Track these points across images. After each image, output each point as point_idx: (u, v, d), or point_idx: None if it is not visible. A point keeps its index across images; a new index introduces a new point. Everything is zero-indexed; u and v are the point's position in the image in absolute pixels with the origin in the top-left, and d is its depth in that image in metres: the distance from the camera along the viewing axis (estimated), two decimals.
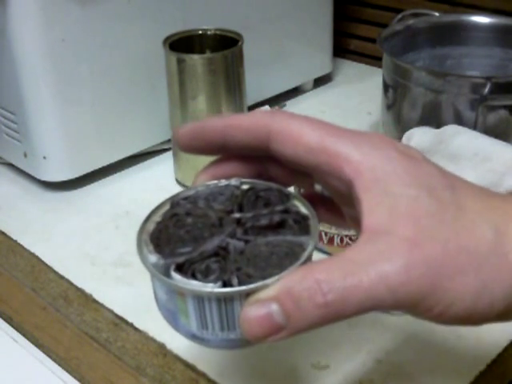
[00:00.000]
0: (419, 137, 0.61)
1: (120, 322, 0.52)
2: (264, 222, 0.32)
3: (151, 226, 0.34)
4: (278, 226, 0.33)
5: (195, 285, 0.30)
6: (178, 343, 0.49)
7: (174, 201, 0.35)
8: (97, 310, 0.53)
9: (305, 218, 0.33)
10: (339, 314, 0.28)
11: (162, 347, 0.49)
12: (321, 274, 0.28)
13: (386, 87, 0.67)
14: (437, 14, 0.74)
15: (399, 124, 0.66)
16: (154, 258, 0.32)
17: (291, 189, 0.36)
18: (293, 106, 0.84)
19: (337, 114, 0.83)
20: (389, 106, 0.67)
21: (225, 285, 0.30)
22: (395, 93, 0.65)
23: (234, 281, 0.30)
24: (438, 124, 0.61)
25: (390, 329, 0.49)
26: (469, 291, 0.29)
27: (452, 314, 0.29)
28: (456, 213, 0.30)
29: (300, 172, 0.34)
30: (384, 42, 0.67)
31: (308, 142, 0.32)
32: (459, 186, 0.31)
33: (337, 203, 0.36)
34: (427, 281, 0.28)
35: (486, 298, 0.29)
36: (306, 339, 0.49)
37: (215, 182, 0.35)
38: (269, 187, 0.35)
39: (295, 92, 0.87)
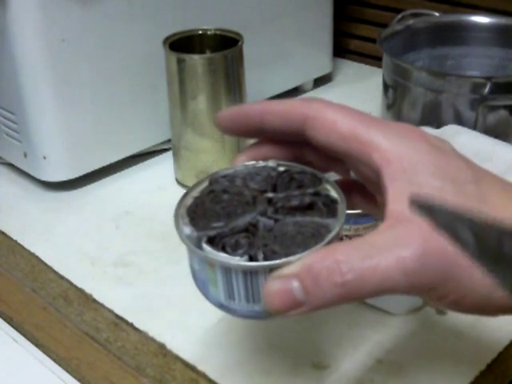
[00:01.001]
0: None
1: (120, 322, 0.52)
2: (294, 202, 0.34)
3: (189, 201, 0.36)
4: (308, 208, 0.34)
5: (223, 257, 0.31)
6: (178, 343, 0.49)
7: (212, 178, 0.37)
8: (97, 309, 0.53)
9: (334, 201, 0.34)
10: (356, 294, 0.29)
11: (162, 347, 0.49)
12: (341, 255, 0.29)
13: (385, 87, 0.67)
14: (437, 14, 0.74)
15: None
16: (188, 230, 0.33)
17: (331, 175, 0.37)
18: None
19: None
20: (389, 106, 0.67)
21: (251, 259, 0.31)
22: (395, 93, 0.65)
23: (260, 256, 0.31)
24: (438, 124, 0.61)
25: (390, 329, 0.49)
26: (484, 282, 0.29)
27: (467, 303, 0.30)
28: (478, 205, 0.30)
29: (335, 158, 0.35)
30: (384, 42, 0.67)
31: (340, 128, 0.33)
32: (485, 180, 0.32)
33: (371, 191, 0.36)
34: (442, 269, 0.29)
35: (501, 290, 0.29)
36: (307, 339, 0.49)
37: (253, 162, 0.37)
38: (303, 170, 0.36)
39: (295, 92, 0.87)
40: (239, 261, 0.31)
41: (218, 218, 0.34)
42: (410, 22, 0.73)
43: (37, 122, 0.64)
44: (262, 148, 0.38)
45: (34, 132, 0.65)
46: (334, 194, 0.35)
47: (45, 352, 0.50)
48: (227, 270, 0.31)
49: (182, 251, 0.35)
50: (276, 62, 0.82)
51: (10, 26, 0.60)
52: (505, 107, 0.60)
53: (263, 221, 0.33)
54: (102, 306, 0.53)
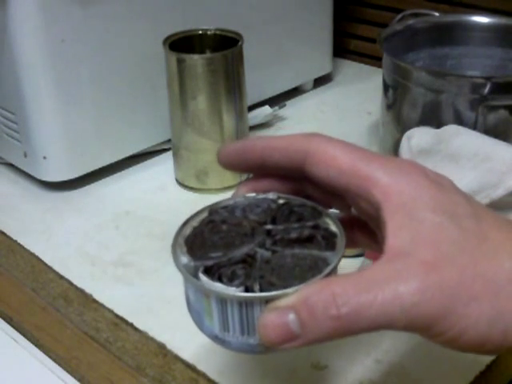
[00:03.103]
0: (419, 137, 0.61)
1: (120, 322, 0.52)
2: (293, 235, 0.34)
3: (188, 230, 0.36)
4: (307, 241, 0.34)
5: (219, 287, 0.31)
6: (178, 343, 0.49)
7: (212, 209, 0.37)
8: (97, 309, 0.53)
9: (333, 235, 0.34)
10: (352, 328, 0.29)
11: (162, 347, 0.49)
12: (337, 288, 0.29)
13: (385, 87, 0.67)
14: (437, 14, 0.74)
15: (399, 124, 0.66)
16: (185, 259, 0.33)
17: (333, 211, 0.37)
18: (293, 105, 0.84)
19: (337, 114, 0.83)
20: (389, 106, 0.67)
21: (247, 290, 0.31)
22: (395, 93, 0.65)
23: (256, 287, 0.31)
24: (438, 124, 0.61)
25: None
26: (483, 319, 0.29)
27: (465, 340, 0.29)
28: (478, 241, 0.30)
29: (336, 193, 0.35)
30: (384, 42, 0.67)
31: (340, 164, 0.33)
32: (484, 216, 0.32)
33: (371, 227, 0.36)
34: (441, 304, 0.28)
35: (499, 327, 0.29)
36: None
37: (254, 194, 0.37)
38: (303, 203, 0.36)
39: (295, 92, 0.87)
40: (235, 291, 0.31)
41: (215, 249, 0.33)
42: (410, 22, 0.73)
43: (37, 122, 0.64)
44: (263, 180, 0.38)
45: (34, 132, 0.65)
46: (333, 227, 0.35)
47: (45, 352, 0.50)
48: (223, 301, 0.31)
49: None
50: (276, 62, 0.82)
51: (10, 25, 0.60)
52: (505, 107, 0.60)
53: (261, 252, 0.33)
54: (102, 305, 0.53)
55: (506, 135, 0.61)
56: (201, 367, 0.47)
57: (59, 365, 0.49)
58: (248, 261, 0.33)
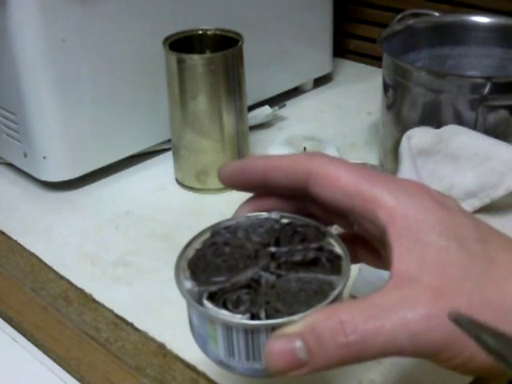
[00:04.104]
0: (419, 137, 0.61)
1: (120, 322, 0.52)
2: (298, 257, 0.34)
3: (190, 253, 0.35)
4: (311, 263, 0.34)
5: (225, 315, 0.31)
6: (178, 343, 0.49)
7: (214, 230, 0.36)
8: (97, 309, 0.53)
9: (338, 257, 0.34)
10: (360, 355, 0.29)
11: (161, 347, 0.49)
12: (345, 315, 0.29)
13: (385, 87, 0.67)
14: (437, 14, 0.74)
15: (399, 124, 0.66)
16: (189, 284, 0.33)
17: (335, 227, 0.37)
18: (293, 105, 0.84)
19: (337, 114, 0.83)
20: (389, 106, 0.67)
21: (253, 317, 0.31)
22: (395, 93, 0.65)
23: (262, 314, 0.31)
24: (438, 124, 0.61)
25: None
26: None
27: (473, 366, 0.29)
28: (485, 266, 0.30)
29: (338, 213, 0.34)
30: (384, 42, 0.67)
31: (344, 185, 0.33)
32: (491, 240, 0.32)
33: (375, 245, 0.36)
34: (448, 332, 0.28)
35: None
36: None
37: (256, 214, 0.37)
38: (307, 223, 0.36)
39: (295, 92, 0.87)
40: (241, 319, 0.31)
41: (219, 272, 0.33)
42: (410, 21, 0.73)
43: (37, 122, 0.64)
44: (265, 200, 0.37)
45: (34, 132, 0.65)
46: (337, 249, 0.35)
47: (45, 352, 0.50)
48: (228, 328, 0.31)
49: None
50: (276, 62, 0.82)
51: (10, 25, 0.60)
52: (505, 107, 0.60)
53: (265, 276, 0.33)
54: (101, 305, 0.53)
55: (506, 135, 0.61)
56: (201, 367, 0.47)
57: (59, 365, 0.49)
58: (253, 285, 0.32)
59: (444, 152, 0.59)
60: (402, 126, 0.65)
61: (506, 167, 0.57)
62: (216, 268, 0.33)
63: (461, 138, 0.59)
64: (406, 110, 0.65)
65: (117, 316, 0.52)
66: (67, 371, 0.49)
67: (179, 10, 0.69)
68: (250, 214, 0.37)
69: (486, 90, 0.59)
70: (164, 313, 0.53)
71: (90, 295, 0.54)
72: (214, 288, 0.32)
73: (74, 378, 0.48)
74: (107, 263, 0.58)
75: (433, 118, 0.63)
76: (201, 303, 0.32)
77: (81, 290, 0.55)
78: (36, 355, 0.50)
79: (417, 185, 0.33)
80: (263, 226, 0.36)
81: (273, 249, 0.35)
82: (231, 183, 0.37)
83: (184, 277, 0.33)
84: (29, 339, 0.52)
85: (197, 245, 0.36)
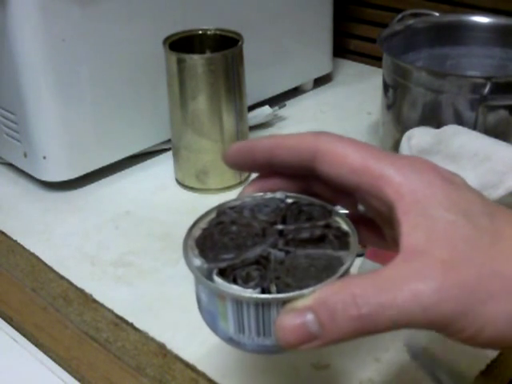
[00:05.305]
0: (419, 137, 0.61)
1: (120, 321, 0.52)
2: (305, 235, 0.34)
3: (197, 232, 0.35)
4: (319, 240, 0.34)
5: (235, 289, 0.31)
6: (178, 343, 0.49)
7: (220, 209, 0.36)
8: (97, 309, 0.53)
9: (345, 234, 0.34)
10: (372, 327, 0.29)
11: (162, 347, 0.49)
12: (356, 288, 0.29)
13: (385, 87, 0.67)
14: (437, 14, 0.74)
15: (399, 124, 0.66)
16: (198, 261, 0.33)
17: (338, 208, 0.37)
18: (293, 105, 0.84)
19: (337, 114, 0.83)
20: (389, 106, 0.67)
21: (263, 292, 0.31)
22: (395, 93, 0.65)
23: (273, 288, 0.31)
24: (438, 124, 0.61)
25: None
26: (501, 316, 0.29)
27: (484, 337, 0.29)
28: (493, 239, 0.30)
29: (343, 191, 0.35)
30: (384, 42, 0.67)
31: (352, 162, 0.33)
32: (498, 214, 0.32)
33: (378, 224, 0.36)
34: (459, 303, 0.29)
35: None
36: None
37: (261, 194, 0.37)
38: (312, 202, 0.36)
39: (295, 92, 0.87)
40: (252, 293, 0.31)
41: (227, 250, 0.33)
42: (410, 21, 0.73)
43: (37, 121, 0.64)
44: (270, 180, 0.37)
45: (34, 132, 0.65)
46: (344, 226, 0.35)
47: (45, 352, 0.50)
48: (238, 303, 0.31)
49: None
50: (276, 62, 0.82)
51: (10, 25, 0.60)
52: (505, 107, 0.60)
53: (274, 253, 0.33)
54: (101, 305, 0.53)
55: (506, 135, 0.61)
56: (201, 367, 0.47)
57: (59, 365, 0.49)
58: (262, 262, 0.32)
59: (444, 152, 0.59)
60: (402, 126, 0.65)
61: (506, 167, 0.57)
62: (224, 246, 0.33)
63: (461, 138, 0.59)
64: (405, 110, 0.65)
65: (117, 316, 0.52)
66: (67, 371, 0.49)
67: (179, 10, 0.69)
68: (255, 194, 0.37)
69: (486, 89, 0.59)
70: (164, 313, 0.53)
71: (90, 295, 0.54)
72: (223, 264, 0.32)
73: (74, 377, 0.48)
74: (107, 263, 0.58)
75: (433, 118, 0.63)
76: (211, 280, 0.32)
77: (81, 290, 0.55)
78: (36, 355, 0.50)
79: (424, 161, 0.33)
80: (269, 206, 0.36)
81: (280, 226, 0.35)
82: (236, 163, 0.37)
83: (192, 255, 0.33)
84: (29, 339, 0.52)
85: (203, 224, 0.36)
